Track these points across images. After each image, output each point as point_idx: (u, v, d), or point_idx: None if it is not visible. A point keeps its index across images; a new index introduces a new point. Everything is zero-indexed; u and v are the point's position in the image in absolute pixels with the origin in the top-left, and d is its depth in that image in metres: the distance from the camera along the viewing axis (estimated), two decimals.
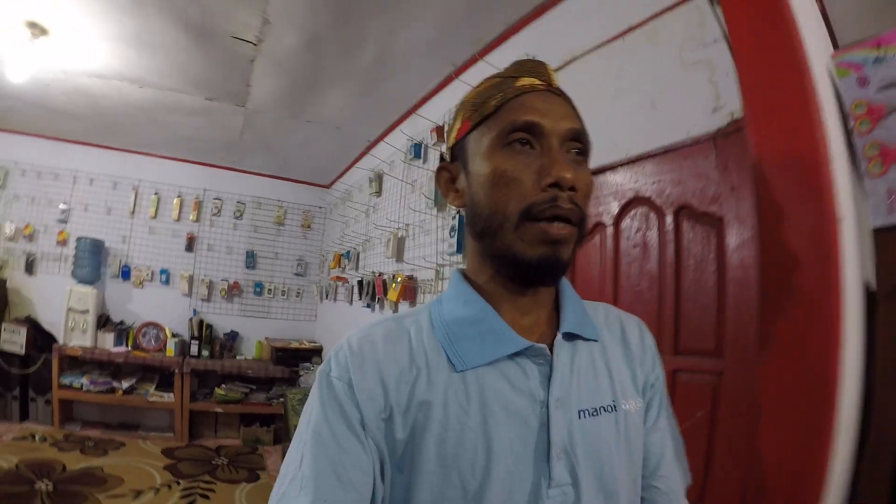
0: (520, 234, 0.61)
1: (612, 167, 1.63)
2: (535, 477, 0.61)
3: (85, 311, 4.07)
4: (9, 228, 4.34)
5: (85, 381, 3.95)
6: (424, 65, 2.82)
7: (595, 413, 0.65)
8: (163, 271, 4.61)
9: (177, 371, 4.10)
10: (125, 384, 4.06)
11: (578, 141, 0.64)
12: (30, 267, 4.35)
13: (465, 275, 0.71)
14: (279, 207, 5.07)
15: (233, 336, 4.79)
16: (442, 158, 0.73)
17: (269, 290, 5.01)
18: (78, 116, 3.96)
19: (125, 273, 4.50)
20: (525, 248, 0.61)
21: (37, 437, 3.57)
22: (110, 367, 4.17)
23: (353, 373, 0.61)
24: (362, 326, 0.67)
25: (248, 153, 4.45)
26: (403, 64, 2.84)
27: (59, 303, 4.08)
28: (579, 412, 0.64)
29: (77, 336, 4.06)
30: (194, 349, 4.39)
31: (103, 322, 4.26)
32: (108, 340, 4.15)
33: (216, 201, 4.84)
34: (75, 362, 4.04)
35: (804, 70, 1.07)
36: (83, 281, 4.21)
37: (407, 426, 0.60)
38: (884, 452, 1.00)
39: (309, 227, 5.20)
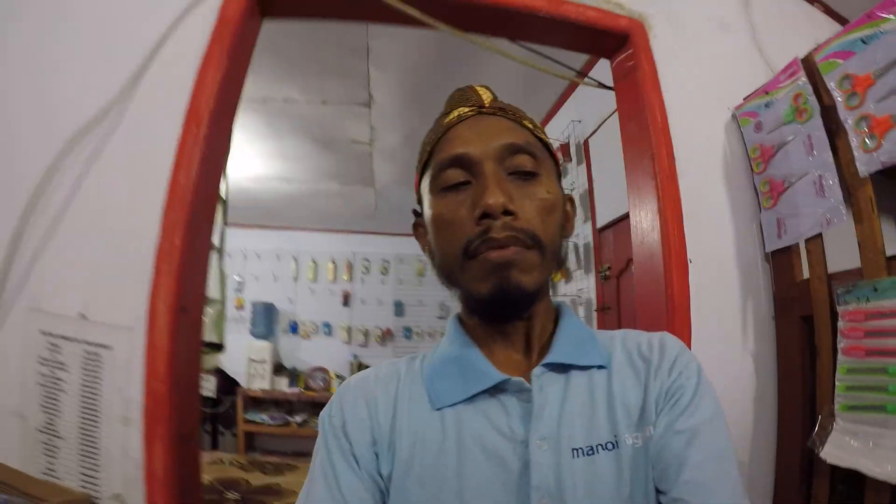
0: (468, 274, 0.58)
1: None
2: None
3: (262, 361, 4.98)
4: None
5: (265, 416, 4.79)
6: None
7: (591, 451, 0.56)
8: (325, 324, 5.42)
9: None
10: (298, 418, 4.84)
11: (523, 153, 0.60)
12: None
13: (460, 317, 0.69)
14: (419, 261, 5.68)
15: None
16: (416, 213, 0.70)
17: (417, 333, 5.59)
18: (241, 207, 4.95)
19: (293, 328, 5.38)
20: (475, 285, 0.58)
21: (225, 462, 4.34)
22: (285, 405, 4.98)
23: (344, 411, 0.62)
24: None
25: (385, 219, 5.14)
26: None
27: (241, 355, 5.02)
28: (573, 451, 0.56)
29: (257, 381, 4.96)
30: None
31: (278, 368, 5.13)
32: (282, 383, 4.99)
33: (364, 262, 5.58)
34: (256, 402, 4.91)
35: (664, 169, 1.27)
36: (259, 336, 5.15)
37: (391, 462, 0.59)
38: (791, 442, 1.17)
39: None
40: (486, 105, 0.64)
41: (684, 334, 1.19)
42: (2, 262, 0.98)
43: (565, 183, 2.68)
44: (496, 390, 0.60)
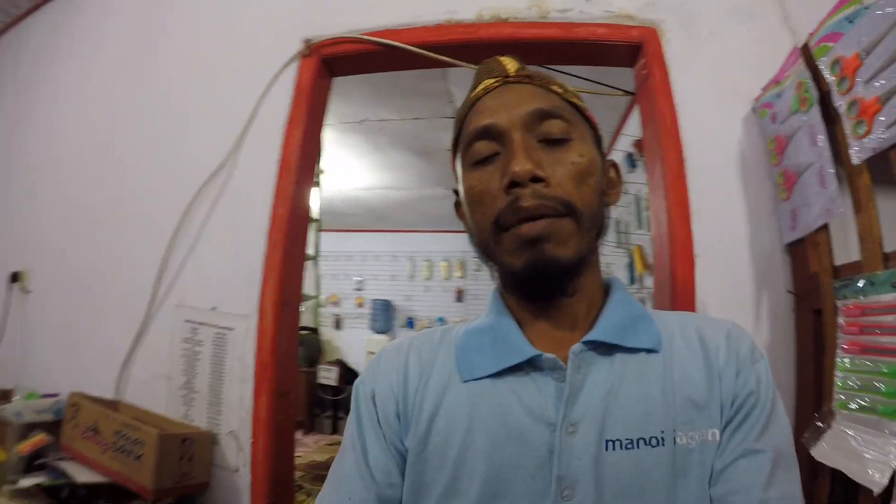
0: (502, 248, 0.56)
1: None
2: None
3: None
4: (321, 298, 6.17)
5: None
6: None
7: (631, 445, 0.51)
8: (439, 319, 5.83)
9: None
10: None
11: (552, 118, 0.57)
12: (337, 324, 6.11)
13: (500, 291, 0.65)
14: None
15: None
16: (455, 192, 0.67)
17: None
18: (355, 214, 5.51)
19: (410, 323, 5.85)
20: (510, 259, 0.56)
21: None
22: None
23: (376, 380, 0.61)
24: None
25: None
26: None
27: (360, 349, 5.59)
28: (609, 442, 0.51)
29: None
30: None
31: None
32: None
33: (475, 259, 5.90)
34: None
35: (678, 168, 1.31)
36: (378, 331, 5.69)
37: (416, 434, 0.56)
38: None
39: None
40: (512, 74, 0.62)
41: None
42: (157, 272, 1.44)
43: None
44: (530, 367, 0.56)
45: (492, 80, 0.62)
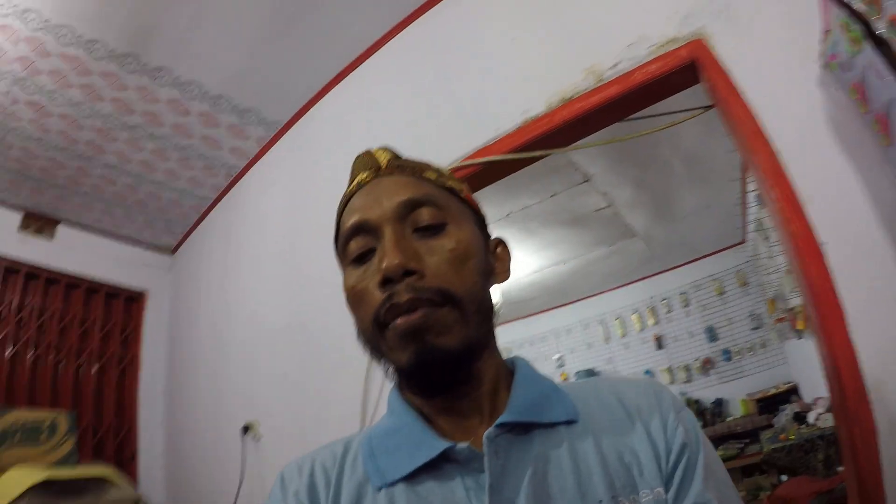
0: (387, 345, 0.55)
1: None
2: None
3: None
4: None
5: None
6: None
7: None
8: (646, 372, 5.63)
9: None
10: None
11: (423, 206, 0.57)
12: None
13: (400, 388, 0.63)
14: (714, 281, 5.56)
15: (718, 403, 5.32)
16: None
17: (736, 352, 5.38)
18: (536, 297, 5.74)
19: None
20: (395, 356, 0.54)
21: None
22: None
23: (286, 498, 0.57)
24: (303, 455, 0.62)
25: (664, 257, 5.24)
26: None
27: None
28: None
29: None
30: None
31: None
32: None
33: (664, 302, 5.72)
34: None
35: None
36: None
37: None
38: None
39: (745, 283, 5.43)
40: (384, 166, 0.62)
41: (837, 324, 1.04)
42: (360, 411, 1.76)
43: None
44: (445, 462, 0.53)
45: (364, 175, 0.63)
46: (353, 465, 0.58)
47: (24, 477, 1.80)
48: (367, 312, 0.56)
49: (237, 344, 2.71)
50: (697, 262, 5.69)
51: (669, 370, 5.58)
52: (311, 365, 2.06)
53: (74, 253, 3.63)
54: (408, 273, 0.53)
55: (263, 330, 2.40)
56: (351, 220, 0.59)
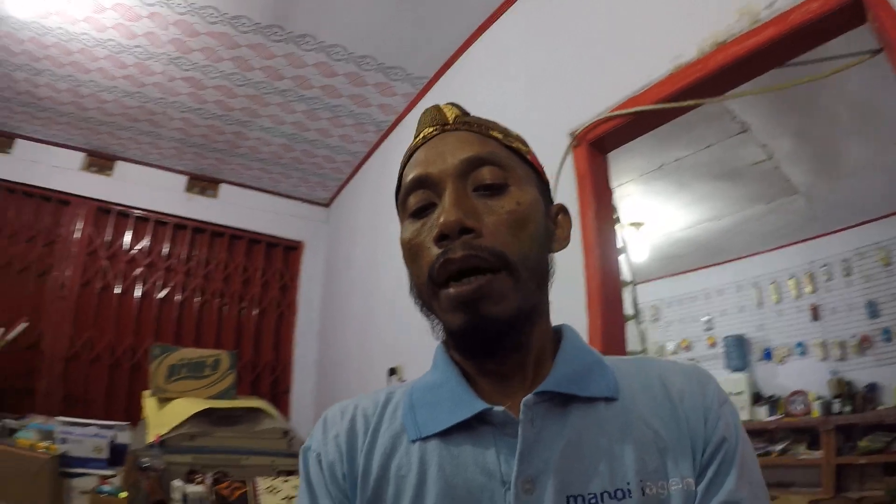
0: (439, 305, 0.55)
1: None
2: None
3: (740, 393, 5.04)
4: (671, 346, 6.03)
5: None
6: None
7: (595, 500, 0.49)
8: (798, 344, 5.08)
9: (821, 429, 4.43)
10: (779, 447, 4.65)
11: (487, 164, 0.56)
12: None
13: (446, 344, 0.63)
14: (880, 250, 4.81)
15: (871, 387, 4.67)
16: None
17: None
18: (686, 254, 5.35)
19: (767, 354, 5.23)
20: (448, 317, 0.54)
21: None
22: (765, 435, 4.82)
23: (321, 445, 0.58)
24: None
25: (826, 218, 4.68)
26: None
27: None
28: (570, 498, 0.49)
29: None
30: (836, 407, 4.58)
31: (757, 398, 5.07)
32: (761, 413, 4.92)
33: (823, 268, 5.03)
34: None
35: None
36: (734, 369, 5.22)
37: (364, 498, 0.54)
38: None
39: None
40: (450, 122, 0.61)
41: None
42: None
43: None
44: (480, 422, 0.54)
45: (430, 129, 0.61)
46: (393, 416, 0.59)
47: (188, 405, 2.04)
48: (421, 268, 0.55)
49: (384, 291, 2.90)
50: (863, 226, 4.93)
51: (823, 345, 4.95)
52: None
53: (236, 209, 4.05)
54: (465, 231, 0.52)
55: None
56: (413, 173, 0.58)
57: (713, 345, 5.59)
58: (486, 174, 0.56)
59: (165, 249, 3.83)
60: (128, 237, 3.76)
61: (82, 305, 3.53)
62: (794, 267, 5.22)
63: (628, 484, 0.50)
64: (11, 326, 3.10)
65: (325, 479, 0.56)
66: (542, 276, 0.58)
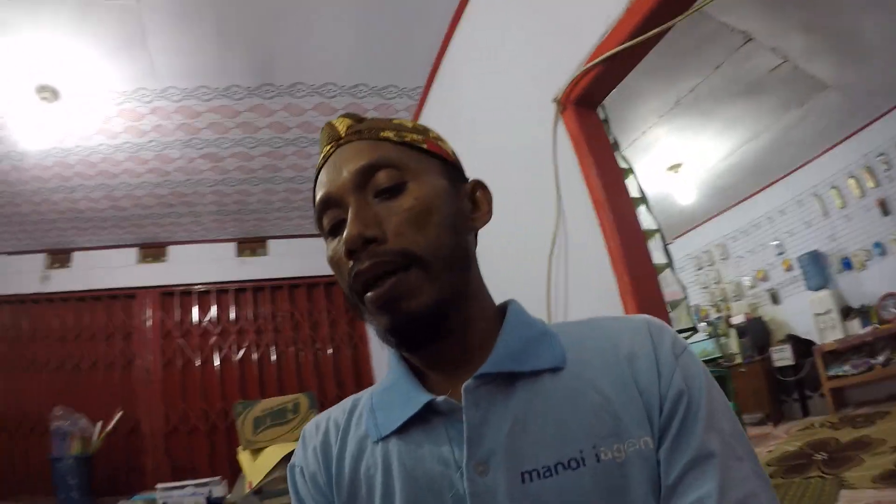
0: (366, 312, 0.57)
1: None
2: None
3: (828, 311, 4.78)
4: (747, 281, 5.81)
5: (847, 367, 4.49)
6: None
7: (549, 473, 0.49)
8: (875, 245, 4.75)
9: None
10: (881, 359, 4.36)
11: (379, 169, 0.57)
12: (774, 298, 5.57)
13: None
14: None
15: None
16: None
17: None
18: (736, 182, 5.20)
19: (846, 264, 4.91)
20: (375, 321, 0.56)
21: (816, 425, 4.27)
22: (864, 349, 4.52)
23: (302, 460, 0.62)
24: None
25: (866, 104, 4.34)
26: None
27: (806, 313, 4.97)
28: (524, 474, 0.50)
29: (829, 333, 4.74)
30: None
31: (846, 312, 4.78)
32: (855, 326, 4.63)
33: (880, 157, 4.63)
34: (834, 355, 4.64)
35: None
36: (816, 288, 4.95)
37: (341, 501, 0.57)
38: None
39: None
40: (343, 135, 0.61)
41: None
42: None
43: None
44: (431, 414, 0.55)
45: (327, 147, 0.62)
46: (358, 421, 0.61)
47: (277, 451, 2.15)
48: (343, 282, 0.57)
49: None
50: None
51: None
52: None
53: (288, 259, 4.24)
54: (368, 241, 0.53)
55: None
56: (319, 194, 0.60)
57: (789, 268, 5.35)
58: (382, 178, 0.57)
59: (232, 314, 4.08)
60: (195, 312, 4.04)
61: (169, 384, 3.81)
62: (850, 164, 4.90)
63: (581, 452, 0.50)
64: (109, 418, 3.38)
65: (309, 489, 0.60)
66: (461, 259, 0.58)
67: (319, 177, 0.61)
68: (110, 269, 3.99)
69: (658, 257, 1.73)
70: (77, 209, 3.50)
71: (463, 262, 0.59)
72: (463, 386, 0.54)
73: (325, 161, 0.61)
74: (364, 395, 0.65)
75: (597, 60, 1.55)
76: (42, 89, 2.45)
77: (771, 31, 2.98)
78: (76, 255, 4.02)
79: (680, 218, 5.84)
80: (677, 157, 4.36)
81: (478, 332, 0.59)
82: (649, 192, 4.87)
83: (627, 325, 0.58)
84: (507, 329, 0.59)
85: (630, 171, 1.85)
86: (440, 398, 0.54)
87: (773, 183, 5.41)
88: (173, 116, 2.75)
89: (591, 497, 0.48)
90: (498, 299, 0.65)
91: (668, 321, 1.59)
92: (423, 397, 0.55)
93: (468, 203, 0.63)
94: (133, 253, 4.05)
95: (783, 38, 3.07)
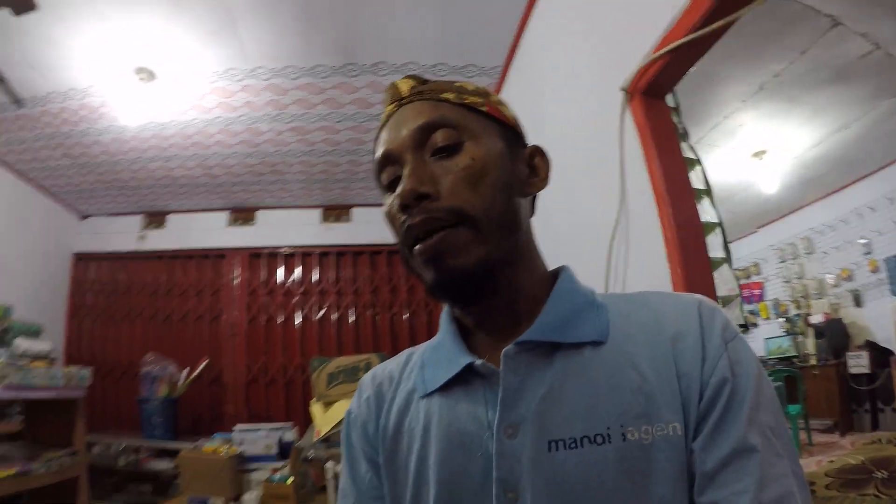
0: (416, 265, 0.58)
1: None
2: None
3: None
4: (830, 279, 5.52)
5: None
6: None
7: (575, 444, 0.50)
8: None
9: None
10: None
11: (438, 128, 0.58)
12: (856, 300, 5.25)
13: None
14: None
15: None
16: None
17: None
18: (823, 173, 4.94)
19: None
20: (423, 275, 0.58)
21: (882, 441, 4.02)
22: None
23: (356, 408, 0.67)
24: None
25: None
26: None
27: (888, 320, 4.68)
28: (551, 443, 0.51)
29: None
30: None
31: None
32: None
33: None
34: None
35: None
36: None
37: (385, 451, 0.61)
38: None
39: None
40: (405, 95, 0.62)
41: None
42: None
43: None
44: (472, 375, 0.57)
45: (390, 107, 0.63)
46: (409, 375, 0.65)
47: (345, 405, 2.32)
48: (396, 236, 0.59)
49: None
50: None
51: None
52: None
53: (370, 226, 4.43)
54: (422, 197, 0.55)
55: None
56: (378, 152, 0.61)
57: (875, 269, 5.05)
58: (439, 138, 0.57)
59: (315, 276, 4.37)
60: (280, 273, 4.36)
61: (252, 338, 4.17)
62: None
63: (608, 429, 0.50)
64: (195, 366, 3.75)
65: (359, 437, 0.65)
66: (512, 222, 0.58)
67: (381, 134, 0.62)
68: (202, 230, 4.36)
69: (716, 252, 1.75)
70: (172, 176, 3.86)
71: (513, 225, 0.59)
72: (503, 351, 0.55)
73: (388, 120, 0.62)
74: (418, 349, 0.68)
75: (662, 51, 1.56)
76: (140, 71, 2.73)
77: (859, 16, 2.80)
78: (171, 217, 4.43)
79: (765, 206, 5.63)
80: (762, 143, 4.20)
81: (526, 297, 0.60)
82: (732, 179, 4.74)
83: (677, 303, 0.57)
84: (554, 297, 0.59)
85: (696, 161, 1.85)
86: (479, 362, 0.56)
87: (863, 177, 5.09)
88: (262, 93, 2.97)
89: (611, 474, 0.49)
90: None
91: None
92: (464, 359, 0.57)
93: (525, 168, 0.63)
94: (224, 216, 4.40)
95: (873, 24, 2.88)
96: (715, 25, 1.44)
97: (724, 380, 0.50)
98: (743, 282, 6.76)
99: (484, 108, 0.61)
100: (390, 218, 0.59)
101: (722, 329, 0.53)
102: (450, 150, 0.57)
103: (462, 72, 2.93)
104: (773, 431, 0.49)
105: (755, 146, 4.24)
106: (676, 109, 1.94)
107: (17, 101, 1.73)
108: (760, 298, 6.70)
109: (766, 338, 6.12)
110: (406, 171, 0.57)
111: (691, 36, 1.48)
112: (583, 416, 0.51)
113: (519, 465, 0.51)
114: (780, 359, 5.68)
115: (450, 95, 0.61)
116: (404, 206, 0.55)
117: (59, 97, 2.94)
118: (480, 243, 0.54)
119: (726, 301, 1.76)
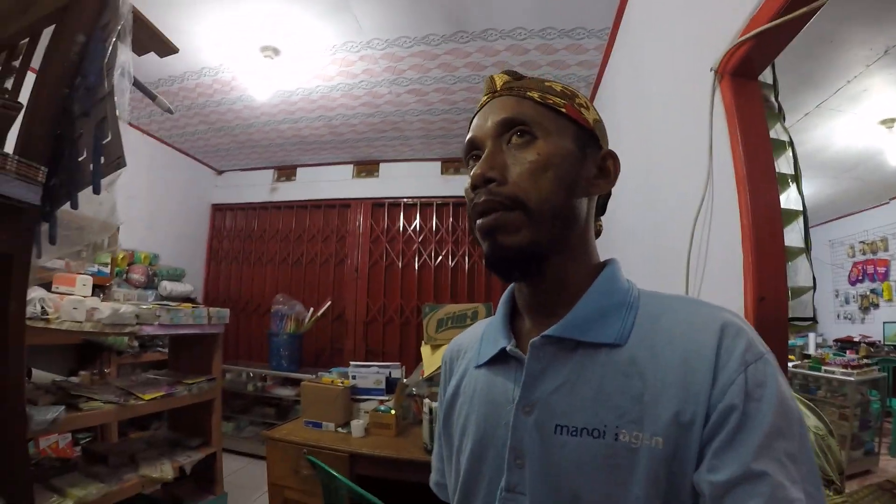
0: (477, 236, 0.64)
1: None
2: (492, 478, 0.63)
3: None
4: None
5: None
6: None
7: (576, 433, 0.57)
8: None
9: None
10: None
11: (516, 124, 0.64)
12: None
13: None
14: None
15: None
16: None
17: None
18: None
19: None
20: (483, 247, 0.63)
21: None
22: None
23: (442, 371, 0.80)
24: None
25: None
26: None
27: None
28: (558, 427, 0.58)
29: None
30: None
31: None
32: None
33: None
34: None
35: None
36: None
37: (445, 406, 0.74)
38: None
39: None
40: (498, 89, 0.68)
41: None
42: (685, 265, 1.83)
43: None
44: (508, 355, 0.66)
45: (485, 97, 0.69)
46: (474, 346, 0.75)
47: None
48: (468, 209, 0.65)
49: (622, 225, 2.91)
50: None
51: None
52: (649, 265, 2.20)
53: None
54: (489, 181, 0.61)
55: (620, 227, 2.63)
56: (468, 136, 0.68)
57: None
58: (516, 131, 0.63)
59: (433, 225, 4.66)
60: (401, 222, 4.71)
61: (373, 281, 4.61)
62: None
63: (605, 426, 0.56)
64: (320, 306, 4.26)
65: (439, 397, 0.80)
66: (568, 217, 0.63)
67: (473, 121, 0.69)
68: (329, 182, 4.82)
69: (795, 241, 1.72)
70: (300, 135, 4.29)
71: (569, 219, 0.63)
72: (530, 342, 0.63)
73: (480, 108, 0.69)
74: (487, 322, 0.77)
75: (748, 35, 1.53)
76: (265, 49, 3.07)
77: None
78: (300, 171, 4.93)
79: (893, 180, 5.03)
80: (891, 111, 3.75)
81: (569, 288, 0.65)
82: (858, 145, 4.29)
83: (701, 320, 0.58)
84: (588, 295, 0.63)
85: (788, 144, 1.80)
86: (510, 347, 0.66)
87: None
88: (379, 61, 3.20)
89: (598, 465, 0.55)
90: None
91: (787, 309, 1.60)
92: (502, 342, 0.67)
93: (594, 169, 0.67)
94: (349, 169, 4.81)
95: None
96: (800, 11, 1.41)
97: (733, 406, 0.51)
98: (867, 257, 6.12)
99: (563, 110, 0.65)
100: (466, 193, 0.65)
101: (743, 351, 0.53)
102: (523, 144, 0.63)
103: (571, 34, 2.94)
104: (791, 458, 0.49)
105: (883, 113, 3.81)
106: (774, 86, 1.88)
107: (169, 111, 2.09)
108: (885, 277, 5.95)
109: (886, 321, 5.57)
110: (482, 157, 0.64)
111: (775, 22, 1.45)
112: (587, 409, 0.57)
113: (528, 438, 0.60)
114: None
115: (534, 94, 0.66)
116: (474, 186, 0.62)
117: (193, 75, 3.45)
118: (530, 228, 0.60)
119: (798, 292, 1.72)
